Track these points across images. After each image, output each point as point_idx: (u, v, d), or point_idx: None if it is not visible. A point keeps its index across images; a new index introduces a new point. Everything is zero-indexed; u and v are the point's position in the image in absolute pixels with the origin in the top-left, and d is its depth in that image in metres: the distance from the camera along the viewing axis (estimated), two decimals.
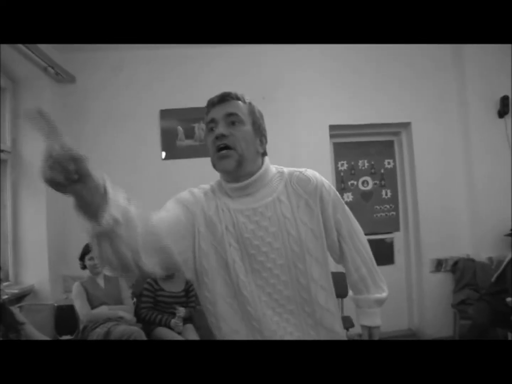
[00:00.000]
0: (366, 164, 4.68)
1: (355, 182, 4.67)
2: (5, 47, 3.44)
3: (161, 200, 4.59)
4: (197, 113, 4.35)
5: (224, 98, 1.35)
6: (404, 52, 4.51)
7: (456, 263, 4.34)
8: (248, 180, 1.34)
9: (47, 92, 4.11)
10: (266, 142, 1.42)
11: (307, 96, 4.46)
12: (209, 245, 1.32)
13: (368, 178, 4.68)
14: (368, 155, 4.68)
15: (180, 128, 4.37)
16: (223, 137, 1.30)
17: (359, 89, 4.49)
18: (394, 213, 4.68)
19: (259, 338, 1.31)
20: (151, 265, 1.16)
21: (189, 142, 4.38)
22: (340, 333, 1.40)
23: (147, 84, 4.38)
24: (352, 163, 4.68)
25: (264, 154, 1.41)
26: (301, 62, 4.49)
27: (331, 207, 1.38)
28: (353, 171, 4.67)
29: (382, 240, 4.65)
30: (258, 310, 1.30)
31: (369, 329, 1.49)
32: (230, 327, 1.32)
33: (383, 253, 4.62)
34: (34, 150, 3.96)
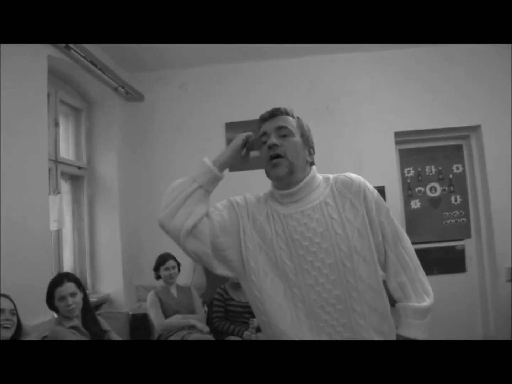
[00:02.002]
0: (434, 170, 4.55)
1: (422, 189, 4.56)
2: (80, 70, 3.65)
3: None
4: None
5: (275, 113, 1.50)
6: (469, 53, 4.37)
7: None
8: (297, 186, 1.45)
9: (118, 110, 4.33)
10: (314, 153, 1.54)
11: (370, 103, 4.41)
12: (257, 247, 1.43)
13: (436, 184, 4.55)
14: (435, 161, 4.55)
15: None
16: (275, 146, 1.43)
17: (423, 94, 4.38)
18: (464, 219, 4.52)
19: (308, 336, 1.36)
20: (192, 246, 1.39)
21: (254, 153, 4.43)
22: (388, 334, 1.41)
23: (212, 98, 4.51)
24: (419, 169, 4.56)
25: (312, 163, 1.53)
26: (362, 70, 4.46)
27: (375, 208, 1.44)
28: (420, 178, 4.56)
29: (452, 247, 4.49)
30: (308, 309, 1.38)
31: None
32: (279, 326, 1.39)
33: (454, 261, 4.47)
34: (107, 168, 4.18)
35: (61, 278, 2.37)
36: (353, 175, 1.49)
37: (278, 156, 1.42)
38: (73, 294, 2.34)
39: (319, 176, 1.51)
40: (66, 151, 3.99)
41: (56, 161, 3.63)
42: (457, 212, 4.52)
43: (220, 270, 1.45)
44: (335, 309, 1.37)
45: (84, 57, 3.48)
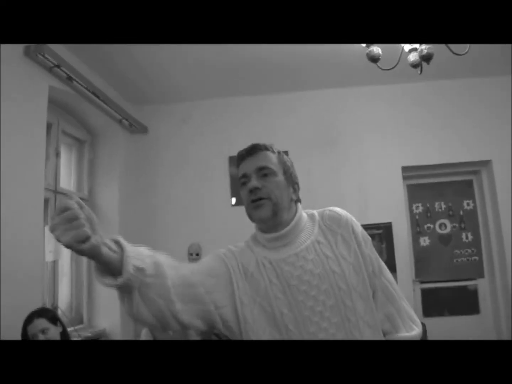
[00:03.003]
0: (443, 206, 4.42)
1: (431, 225, 4.41)
2: (83, 102, 3.67)
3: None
4: None
5: (253, 150, 1.37)
6: (479, 88, 4.31)
7: None
8: (286, 229, 1.34)
9: (122, 142, 4.32)
10: (298, 189, 1.42)
11: (376, 137, 4.35)
12: (251, 300, 1.29)
13: (445, 221, 4.41)
14: (445, 196, 4.43)
15: None
16: (256, 189, 1.32)
17: (431, 127, 4.30)
18: (477, 257, 4.34)
19: None
20: (188, 315, 1.17)
21: None
22: None
23: (215, 131, 4.49)
24: (428, 205, 4.43)
25: (297, 201, 1.41)
26: (368, 103, 4.41)
27: (363, 240, 1.36)
28: (429, 214, 4.42)
29: (464, 287, 4.30)
30: None
31: None
32: None
33: (466, 301, 4.27)
34: (108, 200, 4.14)
35: (31, 316, 2.30)
36: (338, 209, 1.41)
37: (260, 198, 1.32)
38: (44, 330, 2.26)
39: (304, 214, 1.41)
40: (68, 182, 3.96)
41: (55, 191, 3.59)
42: (469, 250, 4.35)
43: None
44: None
45: (86, 88, 3.49)
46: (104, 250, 1.02)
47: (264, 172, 1.34)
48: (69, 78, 3.29)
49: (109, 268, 1.05)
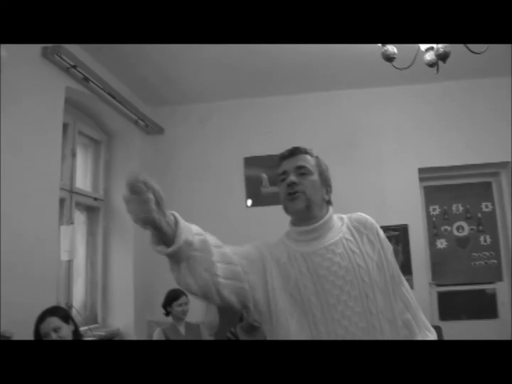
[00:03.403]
0: (461, 208, 4.35)
1: (449, 228, 4.35)
2: (100, 103, 3.69)
3: None
4: None
5: (294, 152, 1.53)
6: (495, 87, 4.23)
7: None
8: (317, 224, 1.47)
9: (138, 144, 4.34)
10: (331, 191, 1.56)
11: (393, 139, 4.30)
12: (282, 287, 1.42)
13: (463, 223, 4.34)
14: (462, 199, 4.36)
15: (264, 175, 4.37)
16: (294, 184, 1.45)
17: (448, 129, 4.25)
18: (495, 261, 4.26)
19: None
20: (228, 290, 1.31)
21: (274, 189, 4.35)
22: None
23: (231, 133, 4.49)
24: (445, 207, 4.37)
25: (329, 202, 1.54)
26: (384, 104, 4.37)
27: (385, 245, 1.49)
28: (446, 216, 4.36)
29: (482, 290, 4.22)
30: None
31: None
32: None
33: (485, 306, 4.19)
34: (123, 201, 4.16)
35: (43, 314, 2.31)
36: (364, 214, 1.55)
37: (296, 192, 1.45)
38: (57, 329, 2.26)
39: (335, 216, 1.55)
40: (84, 182, 4.00)
41: (71, 191, 3.62)
42: (487, 253, 4.28)
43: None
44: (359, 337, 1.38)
45: (103, 89, 3.51)
46: (164, 223, 1.17)
47: (301, 171, 1.48)
48: (85, 79, 3.32)
49: (164, 239, 1.20)
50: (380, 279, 1.42)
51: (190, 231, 1.25)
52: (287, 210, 1.49)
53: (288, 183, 1.46)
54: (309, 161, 1.51)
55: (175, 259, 1.22)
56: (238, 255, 1.40)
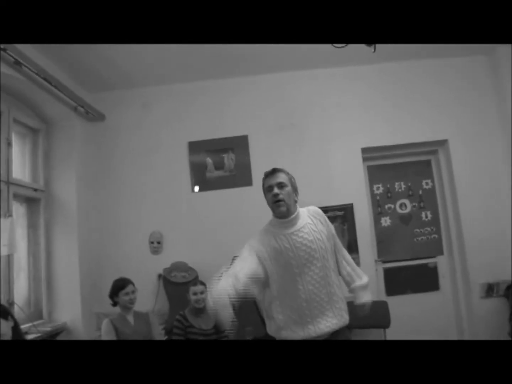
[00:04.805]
0: (403, 186, 4.49)
1: (392, 206, 4.48)
2: (36, 89, 3.53)
3: (194, 232, 4.50)
4: (226, 143, 4.33)
5: (275, 171, 2.35)
6: (435, 69, 4.38)
7: (509, 287, 4.03)
8: (292, 216, 2.31)
9: (78, 131, 4.18)
10: (298, 194, 2.38)
11: (337, 120, 4.36)
12: (274, 259, 2.24)
13: (405, 201, 4.48)
14: (404, 177, 4.50)
15: (209, 160, 4.34)
16: (277, 195, 2.27)
17: (390, 110, 4.36)
18: (436, 235, 4.43)
19: (304, 306, 2.20)
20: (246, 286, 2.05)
21: (218, 173, 4.33)
22: (347, 318, 2.31)
23: (174, 118, 4.41)
24: (388, 185, 4.49)
25: (295, 201, 2.36)
26: (328, 86, 4.42)
27: (330, 224, 2.42)
28: (389, 194, 4.49)
29: (425, 265, 4.39)
30: (308, 299, 2.20)
31: (365, 304, 2.37)
32: (289, 304, 2.22)
33: (427, 279, 4.37)
34: (65, 190, 4.01)
35: None
36: (315, 207, 2.45)
37: (279, 200, 2.27)
38: None
39: (300, 208, 2.38)
40: (22, 173, 3.83)
41: (8, 182, 3.46)
42: (428, 229, 4.44)
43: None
44: (321, 284, 2.23)
45: (37, 74, 3.35)
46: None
47: (281, 185, 2.30)
48: (17, 63, 3.15)
49: None
50: (330, 246, 2.33)
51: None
52: (274, 211, 2.33)
53: (274, 195, 2.28)
54: (284, 177, 2.33)
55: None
56: (247, 277, 2.05)
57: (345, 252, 2.47)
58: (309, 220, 2.33)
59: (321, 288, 2.22)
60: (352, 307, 2.38)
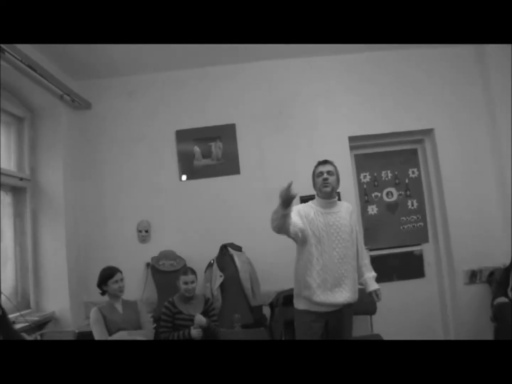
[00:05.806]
0: (390, 175, 4.53)
1: (379, 194, 4.52)
2: (20, 77, 3.48)
3: (182, 221, 4.50)
4: (213, 131, 4.32)
5: (326, 162, 3.02)
6: (422, 58, 4.40)
7: (492, 273, 4.11)
8: (333, 199, 2.97)
9: (64, 119, 4.15)
10: (339, 186, 3.05)
11: (324, 108, 4.37)
12: (310, 229, 2.87)
13: (392, 189, 4.52)
14: (391, 165, 4.53)
15: (197, 148, 4.33)
16: (327, 179, 2.92)
17: (377, 98, 4.38)
18: (422, 223, 4.49)
19: (328, 287, 2.82)
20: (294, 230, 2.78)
21: (206, 161, 4.32)
22: (357, 297, 2.94)
23: (161, 106, 4.39)
24: (375, 174, 4.53)
25: (337, 192, 3.08)
26: (316, 75, 4.42)
27: (354, 217, 3.08)
28: (376, 183, 4.52)
29: (411, 252, 4.45)
30: (332, 269, 2.84)
31: (376, 291, 3.00)
32: (321, 264, 2.85)
33: (413, 266, 4.43)
34: (52, 179, 3.99)
35: None
36: (348, 203, 3.16)
37: (327, 183, 2.91)
38: None
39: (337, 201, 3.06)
40: (7, 162, 3.79)
41: None
42: (414, 217, 4.49)
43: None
44: (343, 261, 2.86)
45: (21, 61, 3.31)
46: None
47: (330, 173, 2.95)
48: (0, 50, 3.09)
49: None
50: (354, 237, 2.98)
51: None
52: (320, 191, 2.94)
53: (323, 179, 2.92)
54: (332, 168, 2.98)
55: (287, 215, 2.57)
56: (298, 216, 2.85)
57: (364, 248, 3.15)
58: (343, 210, 2.99)
59: (343, 264, 2.85)
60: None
